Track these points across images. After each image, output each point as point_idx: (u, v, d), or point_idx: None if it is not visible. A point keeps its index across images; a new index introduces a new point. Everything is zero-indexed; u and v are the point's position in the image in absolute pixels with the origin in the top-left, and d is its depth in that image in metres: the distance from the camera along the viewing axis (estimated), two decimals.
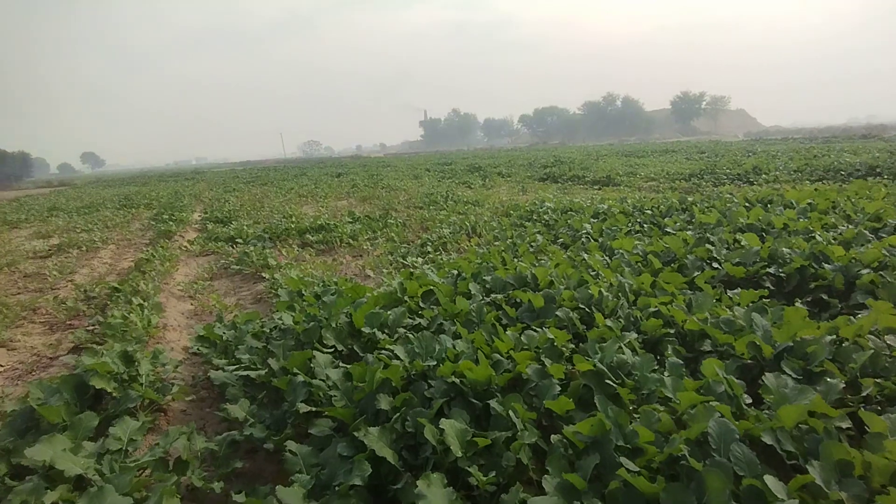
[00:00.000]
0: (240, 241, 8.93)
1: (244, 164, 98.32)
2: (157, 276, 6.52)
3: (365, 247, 7.91)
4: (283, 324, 3.51)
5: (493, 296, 4.04)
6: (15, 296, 6.82)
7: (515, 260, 5.54)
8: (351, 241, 8.29)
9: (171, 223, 11.23)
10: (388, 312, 3.52)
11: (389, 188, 17.77)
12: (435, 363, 2.76)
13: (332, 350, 3.23)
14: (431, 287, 4.16)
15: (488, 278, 4.40)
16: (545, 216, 8.54)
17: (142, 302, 4.93)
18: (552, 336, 2.99)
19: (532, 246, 6.50)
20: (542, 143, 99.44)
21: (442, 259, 6.46)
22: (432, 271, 5.13)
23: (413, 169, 29.75)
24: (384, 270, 6.25)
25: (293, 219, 11.04)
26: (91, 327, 4.72)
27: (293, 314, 3.79)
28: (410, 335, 3.14)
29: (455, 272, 4.87)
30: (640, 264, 4.91)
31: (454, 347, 2.90)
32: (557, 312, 3.42)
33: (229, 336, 3.74)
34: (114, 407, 2.69)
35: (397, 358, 2.86)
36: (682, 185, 13.75)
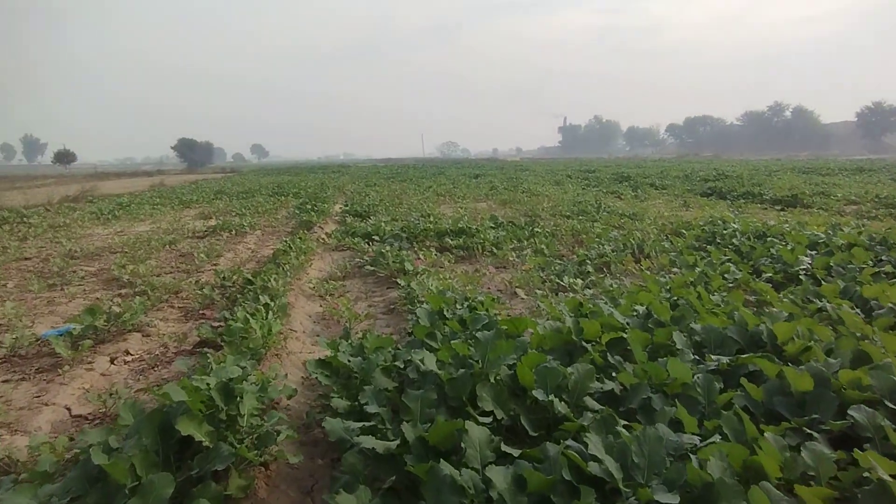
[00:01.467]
0: (376, 238, 8.47)
1: (386, 160, 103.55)
2: (291, 269, 6.15)
3: (510, 257, 6.94)
4: (422, 365, 2.64)
5: (713, 358, 2.80)
6: (168, 274, 6.94)
7: (716, 298, 4.18)
8: (494, 248, 7.37)
9: (312, 213, 11.27)
10: (569, 370, 2.47)
11: (530, 193, 16.68)
12: (667, 490, 1.66)
13: (490, 418, 2.27)
14: (619, 332, 3.03)
15: (697, 327, 3.15)
16: (732, 240, 6.88)
17: (268, 301, 4.43)
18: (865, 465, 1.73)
19: (727, 279, 5.04)
20: (693, 154, 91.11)
21: (609, 284, 5.25)
22: (606, 303, 3.98)
23: (553, 174, 28.32)
24: (537, 291, 5.21)
25: (431, 218, 10.46)
26: (217, 323, 4.31)
27: (436, 352, 2.90)
28: (609, 417, 2.08)
29: (642, 309, 3.68)
30: None
31: (694, 458, 1.77)
32: (853, 413, 2.11)
33: (355, 365, 2.96)
34: (200, 464, 1.98)
35: (595, 461, 1.81)
36: None
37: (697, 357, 2.87)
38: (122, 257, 7.68)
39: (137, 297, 5.25)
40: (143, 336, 4.54)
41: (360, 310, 5.17)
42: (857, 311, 3.79)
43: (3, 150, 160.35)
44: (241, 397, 2.36)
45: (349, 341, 3.58)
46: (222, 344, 3.71)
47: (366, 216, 11.80)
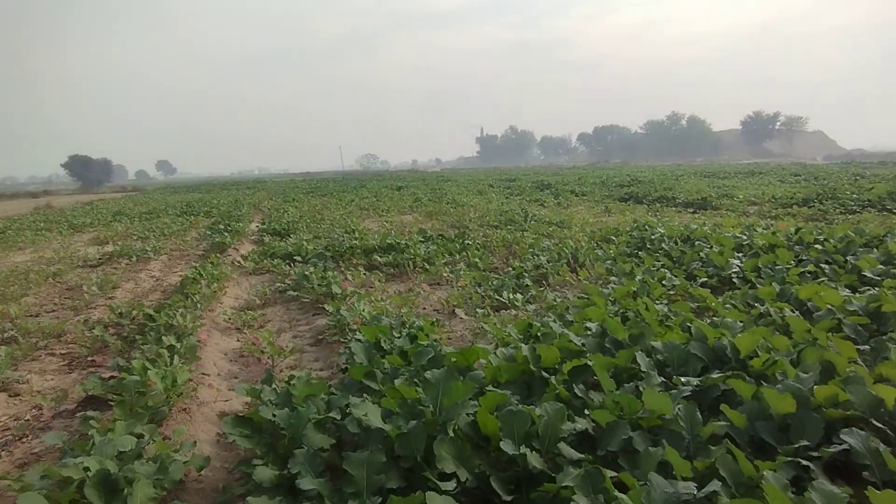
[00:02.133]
0: (298, 258, 7.84)
1: (304, 174, 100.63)
2: (202, 300, 5.44)
3: (444, 273, 6.60)
4: (365, 419, 2.20)
5: (682, 381, 2.58)
6: (49, 313, 5.94)
7: (661, 308, 4.06)
8: (426, 264, 7.01)
9: (225, 234, 10.37)
10: (537, 411, 2.13)
11: (455, 204, 16.53)
12: None
13: (453, 482, 1.88)
14: (580, 358, 2.75)
15: (658, 345, 2.94)
16: (661, 245, 6.97)
17: (174, 343, 3.78)
18: None
19: (665, 286, 4.99)
20: (603, 161, 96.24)
21: (551, 298, 5.04)
22: (555, 321, 3.73)
23: (475, 184, 28.52)
24: (478, 310, 4.89)
25: (356, 234, 9.93)
26: (109, 374, 3.59)
27: (378, 398, 2.48)
28: (594, 472, 1.76)
29: (594, 326, 3.45)
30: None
31: None
32: (847, 438, 1.93)
33: (282, 420, 2.46)
34: None
35: None
36: (800, 211, 11.74)
37: (664, 379, 2.65)
38: None
39: (3, 346, 4.35)
40: (9, 396, 3.72)
41: (283, 343, 4.60)
42: (797, 313, 3.79)
43: None
44: (131, 489, 1.80)
45: (272, 386, 3.07)
46: (116, 397, 3.05)
47: (285, 234, 11.04)
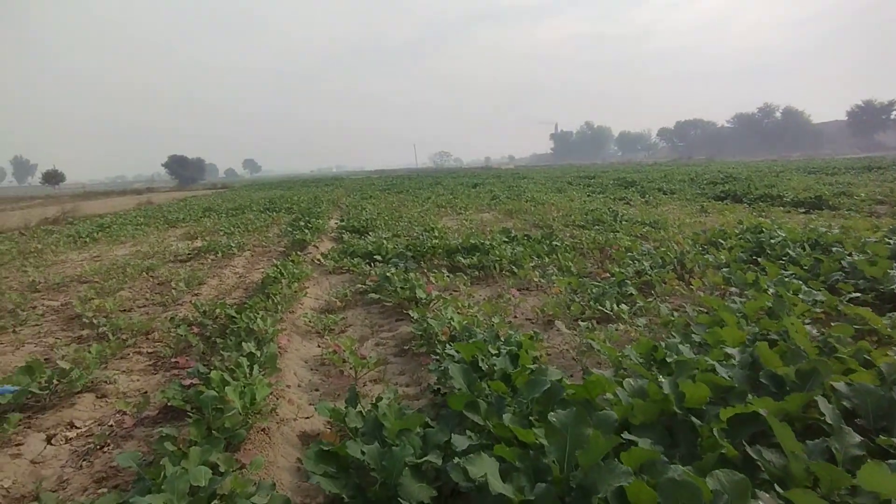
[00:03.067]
0: (378, 257, 7.59)
1: (379, 172, 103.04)
2: (283, 301, 5.26)
3: (533, 278, 6.08)
4: (481, 478, 1.76)
5: (884, 439, 1.93)
6: (140, 308, 6.02)
7: (812, 331, 3.33)
8: (513, 267, 6.51)
9: (305, 231, 10.37)
10: (708, 482, 1.59)
11: (535, 202, 15.86)
12: None
13: None
14: (748, 406, 2.16)
15: (841, 387, 2.29)
16: (784, 250, 6.05)
17: (253, 351, 3.53)
18: None
19: (804, 300, 4.18)
20: (686, 157, 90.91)
21: (666, 312, 4.38)
22: (682, 343, 3.12)
23: (552, 181, 27.60)
24: (580, 322, 4.33)
25: (436, 233, 9.60)
26: (189, 382, 3.40)
27: (486, 439, 2.03)
28: None
29: (737, 355, 2.81)
30: None
31: None
32: None
33: (372, 458, 2.08)
34: None
35: None
36: None
37: (862, 438, 2.00)
38: (89, 289, 6.76)
39: (95, 343, 4.33)
40: (96, 398, 3.63)
41: (365, 351, 4.28)
42: None
43: None
44: None
45: (358, 408, 2.71)
46: (191, 416, 2.81)
47: (364, 232, 10.92)
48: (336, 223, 13.56)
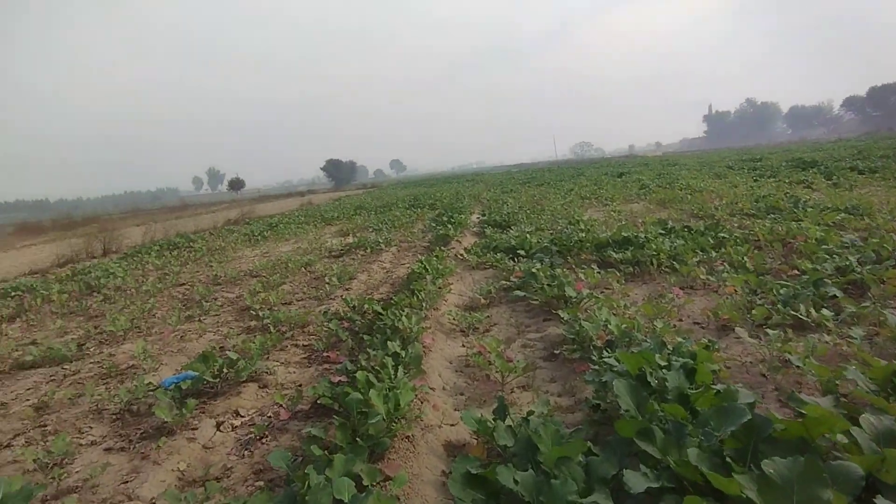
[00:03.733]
0: (522, 252, 7.28)
1: (518, 166, 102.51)
2: (427, 298, 5.19)
3: (699, 275, 5.29)
4: None
5: None
6: (299, 301, 6.44)
7: None
8: (674, 262, 5.76)
9: (448, 226, 10.41)
10: None
11: (691, 189, 14.28)
12: None
13: None
14: None
15: None
16: None
17: (398, 351, 3.44)
18: None
19: None
20: (886, 129, 76.05)
21: (886, 318, 3.44)
22: None
23: (708, 167, 24.80)
24: (767, 330, 3.58)
25: (581, 225, 9.00)
26: (337, 379, 3.42)
27: (661, 472, 1.61)
28: None
29: None
30: None
31: None
32: None
33: (527, 490, 1.78)
34: None
35: None
36: None
37: None
38: (257, 283, 7.43)
39: (259, 335, 4.63)
40: (259, 388, 3.84)
41: (512, 353, 4.00)
42: None
43: (194, 182, 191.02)
44: None
45: (507, 422, 2.43)
46: (338, 414, 2.77)
47: (506, 226, 10.69)
48: (478, 218, 13.52)
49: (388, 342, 3.60)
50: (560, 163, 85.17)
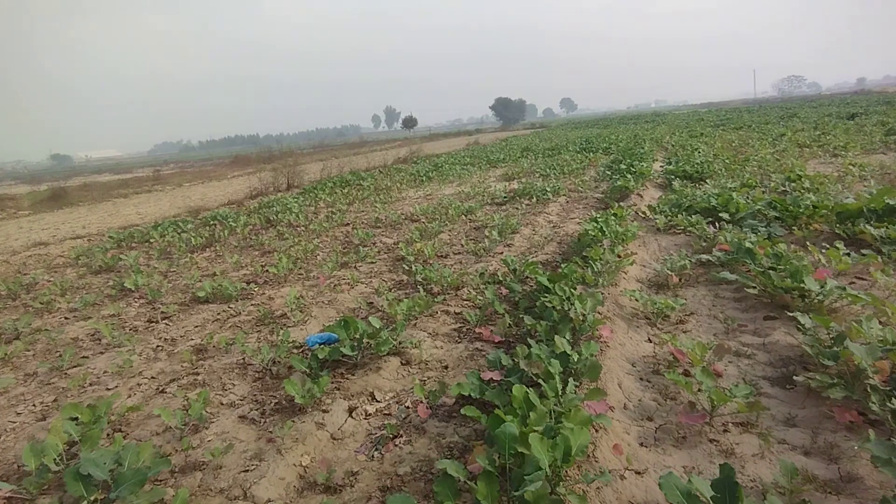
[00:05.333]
0: (725, 216, 5.80)
1: (706, 105, 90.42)
2: (605, 270, 4.24)
3: None
4: None
5: None
6: (455, 255, 5.92)
7: None
8: None
9: (627, 177, 8.99)
10: None
11: None
12: None
13: None
14: None
15: None
16: None
17: (568, 352, 2.63)
18: None
19: None
20: None
21: None
22: None
23: None
24: None
25: (806, 183, 7.00)
26: (487, 376, 2.75)
27: None
28: None
29: None
30: None
31: None
32: None
33: None
34: None
35: None
36: None
37: None
38: (415, 230, 7.08)
39: (405, 299, 4.16)
40: (401, 364, 3.36)
41: (720, 369, 2.93)
42: None
43: (373, 120, 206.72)
44: None
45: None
46: (485, 440, 2.10)
47: (699, 179, 8.93)
48: (661, 167, 11.68)
49: (556, 335, 2.80)
50: (761, 101, 72.66)
